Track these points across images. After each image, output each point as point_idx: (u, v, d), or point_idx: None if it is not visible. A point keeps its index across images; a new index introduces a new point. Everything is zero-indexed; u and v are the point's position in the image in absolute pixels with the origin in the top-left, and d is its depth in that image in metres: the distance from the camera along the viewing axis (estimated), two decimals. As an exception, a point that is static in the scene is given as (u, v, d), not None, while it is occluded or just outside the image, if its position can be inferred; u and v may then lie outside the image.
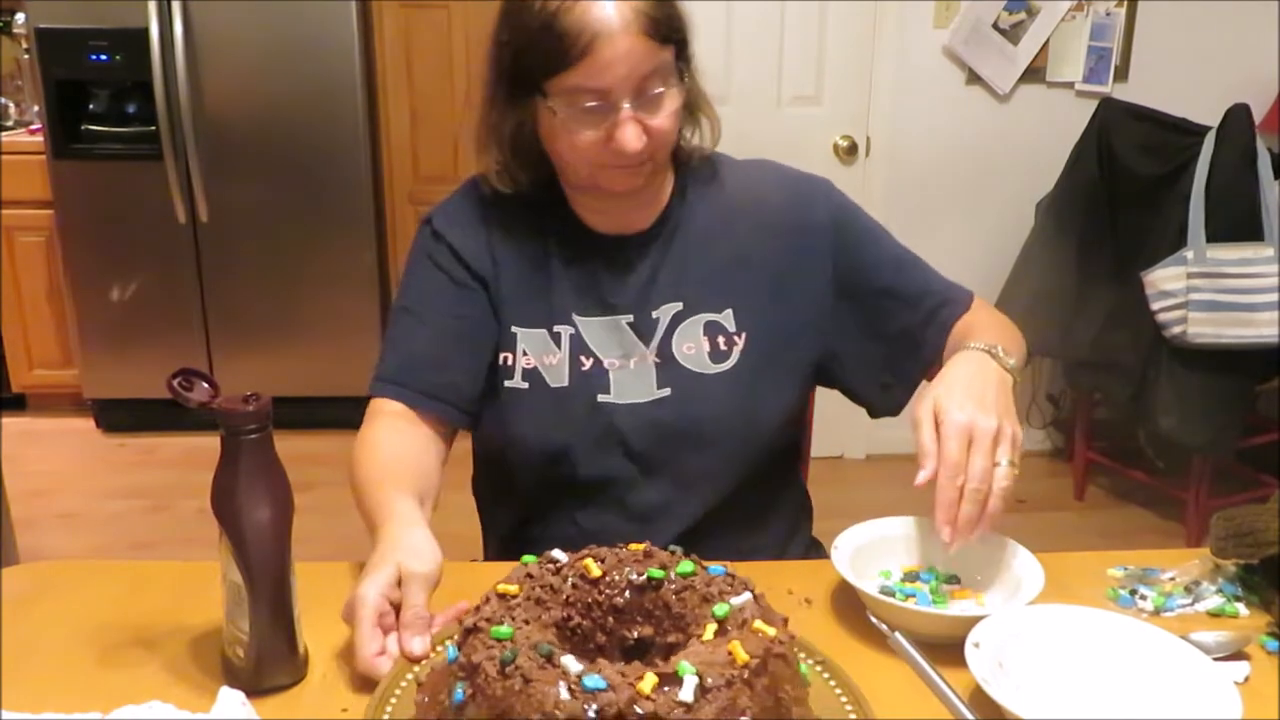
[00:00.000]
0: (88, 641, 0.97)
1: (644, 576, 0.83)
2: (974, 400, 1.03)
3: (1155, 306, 2.78)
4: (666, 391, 1.22)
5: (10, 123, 3.81)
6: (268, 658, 0.89)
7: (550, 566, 0.85)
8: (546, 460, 1.22)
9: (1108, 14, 3.22)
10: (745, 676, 0.71)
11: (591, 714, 0.65)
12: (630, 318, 1.23)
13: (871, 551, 1.07)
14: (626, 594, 0.83)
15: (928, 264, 1.31)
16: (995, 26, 3.21)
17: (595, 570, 0.83)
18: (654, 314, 1.23)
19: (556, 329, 1.23)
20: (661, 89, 1.12)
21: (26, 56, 3.52)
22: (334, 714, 0.87)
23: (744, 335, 1.24)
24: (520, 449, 1.23)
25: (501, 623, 0.75)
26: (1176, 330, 2.75)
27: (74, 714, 0.83)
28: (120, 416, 3.65)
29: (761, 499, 1.29)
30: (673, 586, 0.82)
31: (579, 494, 1.23)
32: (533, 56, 1.11)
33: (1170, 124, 2.89)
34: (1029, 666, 0.90)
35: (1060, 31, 3.22)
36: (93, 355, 3.56)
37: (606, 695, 0.66)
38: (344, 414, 3.78)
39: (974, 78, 3.27)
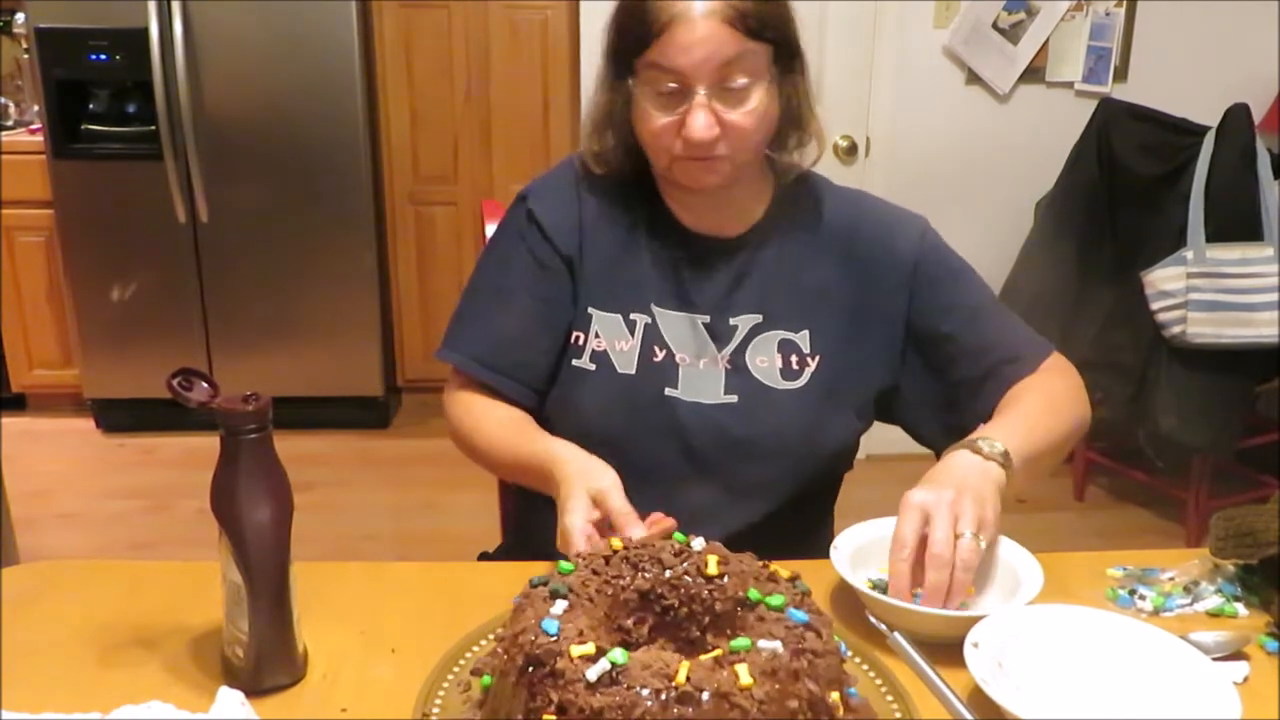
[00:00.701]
0: (88, 641, 0.97)
1: (746, 594, 0.83)
2: (937, 485, 1.02)
3: (1155, 306, 2.78)
4: (734, 398, 1.22)
5: (10, 123, 3.81)
6: (267, 658, 0.89)
7: (674, 545, 0.88)
8: (602, 444, 1.20)
9: (1107, 14, 3.22)
10: (664, 695, 0.70)
11: (528, 644, 0.76)
12: (707, 319, 1.24)
13: (870, 551, 1.07)
14: (731, 604, 0.83)
15: (1010, 316, 1.30)
16: (995, 26, 3.21)
17: (713, 568, 0.85)
18: (731, 321, 1.24)
19: (633, 316, 1.24)
20: (745, 82, 1.12)
21: (26, 56, 3.53)
22: (334, 714, 0.87)
23: (818, 359, 1.24)
24: (577, 430, 1.22)
25: (575, 564, 0.86)
26: (1176, 330, 2.75)
27: (74, 714, 0.83)
28: (120, 416, 3.65)
29: (800, 524, 1.29)
30: (756, 612, 0.82)
31: (627, 484, 1.20)
32: (624, 34, 1.15)
33: (1170, 124, 2.89)
34: (1029, 666, 0.90)
35: (1060, 31, 3.22)
36: (93, 355, 3.56)
37: (543, 639, 0.75)
38: (344, 414, 3.83)
39: (974, 78, 3.27)
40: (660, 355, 1.23)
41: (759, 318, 1.24)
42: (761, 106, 1.14)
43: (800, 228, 1.27)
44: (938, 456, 1.27)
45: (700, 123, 1.11)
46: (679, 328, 1.24)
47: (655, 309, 1.24)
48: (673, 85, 1.12)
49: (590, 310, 1.24)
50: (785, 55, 1.17)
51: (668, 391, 1.22)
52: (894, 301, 1.26)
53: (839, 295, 1.26)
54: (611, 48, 1.18)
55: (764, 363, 1.24)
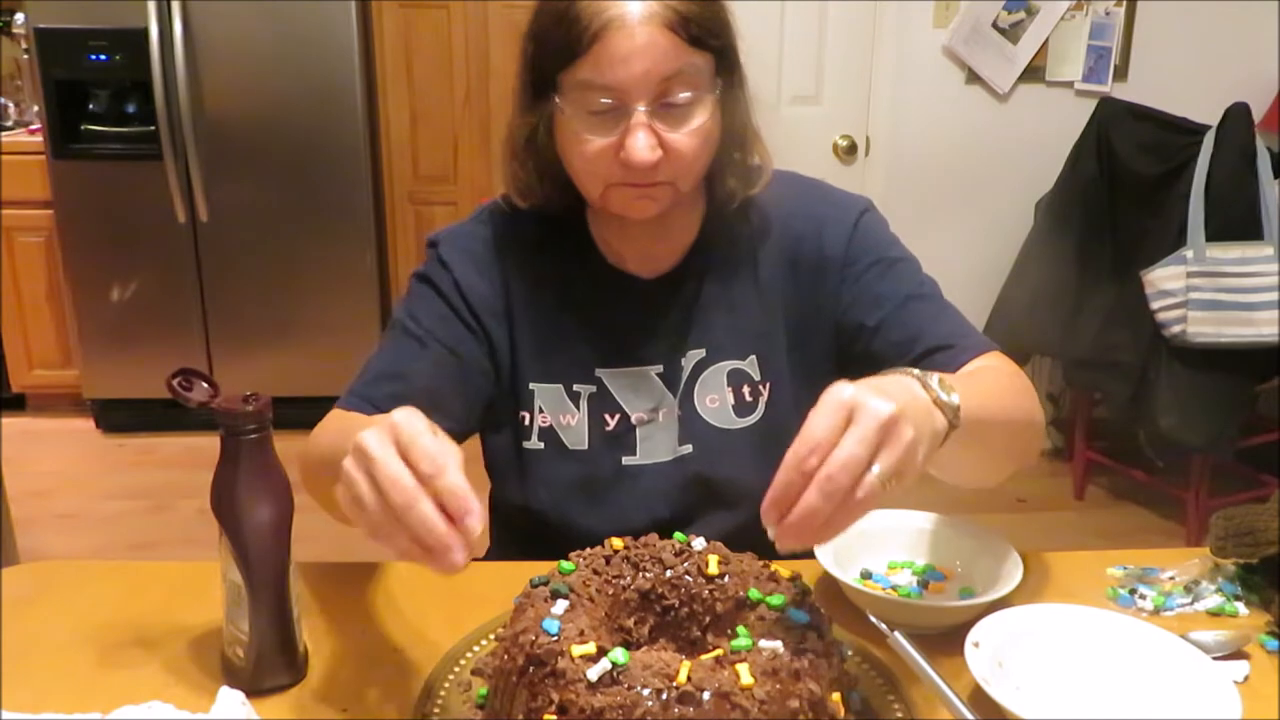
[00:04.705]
0: (88, 641, 0.97)
1: (746, 594, 0.83)
2: (875, 390, 0.75)
3: (1155, 306, 2.78)
4: (688, 448, 1.14)
5: (10, 123, 3.81)
6: (268, 658, 0.89)
7: (675, 545, 0.87)
8: (561, 526, 1.14)
9: (1107, 13, 3.22)
10: (665, 695, 0.70)
11: (528, 644, 0.75)
12: (659, 368, 1.14)
13: (855, 546, 1.06)
14: (732, 603, 0.83)
15: (950, 309, 1.13)
16: (995, 26, 3.21)
17: (713, 568, 0.84)
18: (681, 361, 1.14)
19: (576, 388, 1.14)
20: (688, 97, 0.99)
21: (26, 56, 3.53)
22: (334, 714, 0.87)
23: (769, 385, 1.15)
24: (538, 515, 1.15)
25: (576, 564, 0.85)
26: (1176, 329, 2.75)
27: (74, 714, 0.83)
28: (120, 416, 3.65)
29: (752, 534, 1.21)
30: (757, 612, 0.82)
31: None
32: (548, 46, 1.00)
33: (1170, 123, 2.89)
34: (1029, 666, 0.90)
35: (1060, 31, 3.22)
36: (93, 355, 3.56)
37: (544, 638, 0.75)
38: (344, 414, 3.82)
39: (973, 77, 3.27)
40: (613, 422, 1.13)
41: (702, 352, 1.14)
42: (706, 125, 1.02)
43: (733, 239, 1.15)
44: None
45: (641, 144, 0.98)
46: (630, 385, 1.14)
47: (601, 372, 1.13)
48: (607, 103, 0.98)
49: (531, 385, 1.13)
50: (727, 67, 1.04)
51: (625, 461, 1.13)
52: (832, 303, 1.14)
53: (777, 308, 1.15)
54: (531, 63, 1.03)
55: (715, 402, 1.14)
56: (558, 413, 1.14)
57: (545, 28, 1.01)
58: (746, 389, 1.15)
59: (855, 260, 1.14)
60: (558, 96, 1.01)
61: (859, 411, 0.73)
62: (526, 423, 1.14)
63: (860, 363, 1.10)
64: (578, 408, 1.14)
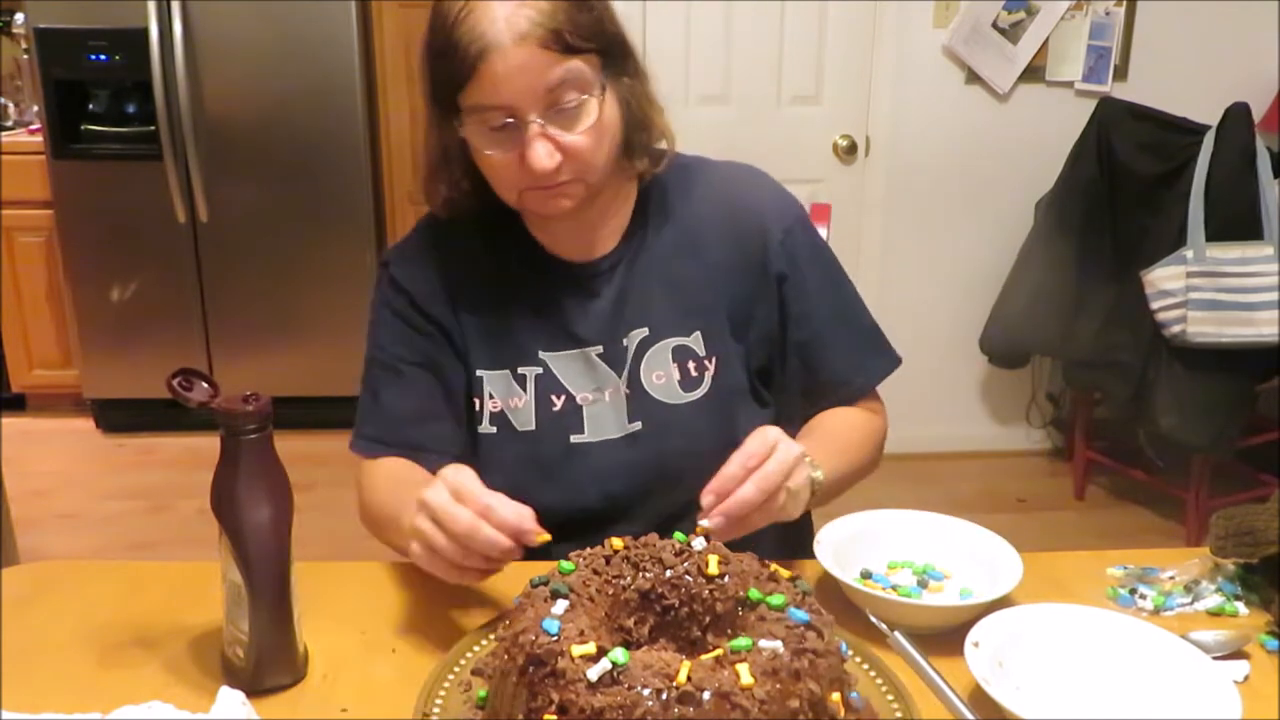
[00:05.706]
0: (88, 641, 0.97)
1: (746, 594, 0.83)
2: (789, 439, 1.00)
3: (1155, 306, 2.78)
4: (638, 425, 1.17)
5: (10, 123, 3.81)
6: (268, 658, 0.90)
7: (675, 545, 0.87)
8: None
9: (1107, 13, 3.22)
10: (665, 695, 0.70)
11: (529, 644, 0.76)
12: (600, 349, 1.18)
13: (855, 546, 1.07)
14: (732, 603, 0.83)
15: (856, 327, 1.24)
16: (995, 26, 3.21)
17: (714, 568, 0.85)
18: (624, 341, 1.18)
19: (521, 370, 1.18)
20: (577, 99, 1.04)
21: (26, 56, 3.53)
22: (334, 714, 0.88)
23: (714, 359, 1.18)
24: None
25: (576, 564, 0.86)
26: (1176, 329, 2.75)
27: (74, 714, 0.83)
28: (120, 416, 3.65)
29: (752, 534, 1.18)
30: (757, 612, 0.81)
31: (556, 535, 1.06)
32: (438, 75, 1.08)
33: (1170, 123, 2.89)
34: (1029, 666, 0.90)
35: (1060, 31, 3.22)
36: (92, 355, 3.56)
37: (544, 638, 0.75)
38: (344, 414, 3.77)
39: (973, 77, 3.27)
40: (559, 402, 1.17)
41: (645, 330, 1.17)
42: (599, 120, 1.06)
43: (674, 221, 1.20)
44: None
45: (540, 153, 1.04)
46: (573, 367, 1.18)
47: (544, 355, 1.18)
48: (504, 120, 1.04)
49: (479, 372, 1.19)
50: (613, 58, 1.09)
51: (574, 439, 1.17)
52: (769, 291, 1.20)
53: (726, 282, 1.19)
54: (429, 91, 1.10)
55: (661, 379, 1.17)
56: (507, 397, 1.19)
57: (432, 60, 1.08)
58: (692, 364, 1.18)
59: (793, 266, 1.20)
60: (460, 118, 1.07)
61: (781, 445, 0.97)
62: (478, 409, 1.20)
63: (789, 369, 1.22)
64: (525, 390, 1.18)
